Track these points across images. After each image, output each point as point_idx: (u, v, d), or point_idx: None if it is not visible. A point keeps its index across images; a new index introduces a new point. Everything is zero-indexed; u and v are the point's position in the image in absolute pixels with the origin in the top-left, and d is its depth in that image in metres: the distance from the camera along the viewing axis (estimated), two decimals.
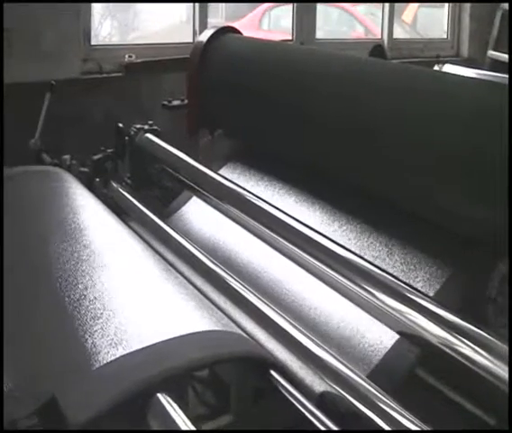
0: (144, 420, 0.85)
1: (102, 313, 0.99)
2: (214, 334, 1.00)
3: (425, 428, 0.92)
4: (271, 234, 1.38)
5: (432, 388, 1.14)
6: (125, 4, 3.94)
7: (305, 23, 3.65)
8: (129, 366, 0.90)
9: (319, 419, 0.96)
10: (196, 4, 3.31)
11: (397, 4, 4.24)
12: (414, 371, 1.14)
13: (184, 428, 0.84)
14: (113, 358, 0.90)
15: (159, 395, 0.86)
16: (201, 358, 0.95)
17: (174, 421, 0.85)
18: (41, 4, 2.67)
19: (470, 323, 1.00)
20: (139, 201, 1.72)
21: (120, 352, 0.91)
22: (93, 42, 3.02)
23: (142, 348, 0.92)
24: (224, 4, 4.77)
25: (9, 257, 1.17)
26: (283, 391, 1.01)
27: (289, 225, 1.34)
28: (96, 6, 3.14)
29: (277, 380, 1.02)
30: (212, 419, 1.20)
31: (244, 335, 1.08)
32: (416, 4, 5.52)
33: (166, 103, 2.37)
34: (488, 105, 1.25)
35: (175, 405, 0.86)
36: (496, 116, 1.21)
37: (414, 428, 0.92)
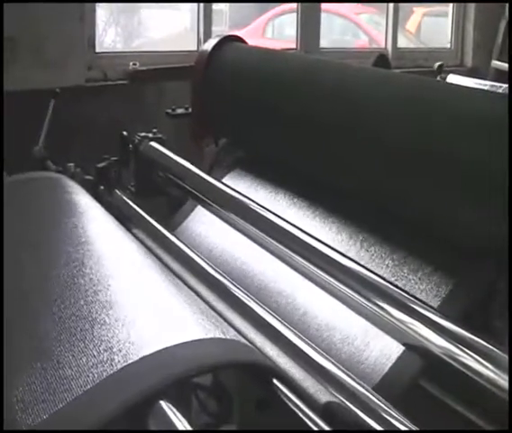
0: (146, 428, 0.85)
1: (106, 321, 0.99)
2: (217, 341, 1.00)
3: None
4: (275, 243, 1.38)
5: (438, 400, 1.14)
6: (129, 12, 3.96)
7: (309, 32, 3.66)
8: (132, 373, 0.89)
9: (323, 429, 0.95)
10: (201, 13, 3.33)
11: (401, 14, 4.25)
12: (419, 382, 1.14)
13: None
14: (116, 366, 0.89)
15: (161, 403, 0.86)
16: (204, 364, 0.95)
17: (176, 428, 0.84)
18: (45, 11, 2.68)
19: (478, 336, 1.00)
20: (143, 209, 1.72)
21: (124, 359, 0.91)
22: (97, 50, 3.03)
23: (145, 356, 0.91)
24: (228, 12, 4.78)
25: (11, 263, 1.16)
26: (287, 401, 1.01)
27: (293, 235, 1.35)
28: (100, 13, 3.16)
29: (280, 389, 1.02)
30: (214, 428, 1.20)
31: (248, 343, 1.08)
32: (421, 14, 5.53)
33: (169, 111, 2.36)
34: (493, 116, 1.25)
35: (178, 413, 0.85)
36: (499, 127, 1.21)
37: None
